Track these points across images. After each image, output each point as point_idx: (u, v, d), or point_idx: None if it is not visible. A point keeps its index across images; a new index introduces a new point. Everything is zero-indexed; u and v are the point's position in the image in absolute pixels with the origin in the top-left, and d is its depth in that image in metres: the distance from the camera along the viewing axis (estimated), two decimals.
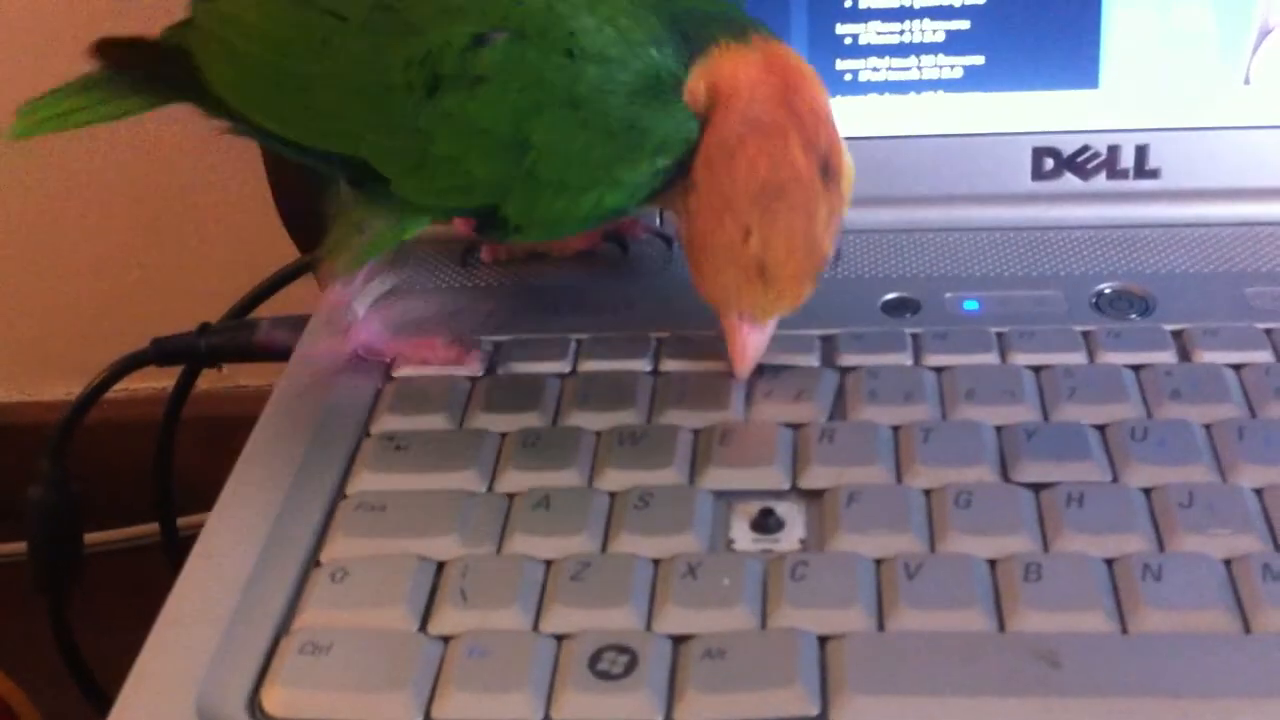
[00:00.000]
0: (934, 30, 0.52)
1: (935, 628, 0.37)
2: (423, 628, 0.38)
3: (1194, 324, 0.47)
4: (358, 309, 0.48)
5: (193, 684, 0.37)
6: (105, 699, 0.62)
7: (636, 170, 0.42)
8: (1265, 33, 0.51)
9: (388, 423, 0.45)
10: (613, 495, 0.41)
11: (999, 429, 0.43)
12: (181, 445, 0.64)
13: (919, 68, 0.52)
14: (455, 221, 0.47)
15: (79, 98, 0.47)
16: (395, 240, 0.45)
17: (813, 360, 0.46)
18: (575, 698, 0.35)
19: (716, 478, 0.42)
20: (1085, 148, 0.52)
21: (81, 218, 0.81)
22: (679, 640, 0.37)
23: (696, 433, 0.43)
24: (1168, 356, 0.45)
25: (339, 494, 0.43)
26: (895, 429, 0.43)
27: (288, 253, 0.62)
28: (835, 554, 0.39)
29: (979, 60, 0.52)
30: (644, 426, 0.44)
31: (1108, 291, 0.49)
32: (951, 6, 0.51)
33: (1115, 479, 0.41)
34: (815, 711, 0.35)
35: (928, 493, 0.41)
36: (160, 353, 0.58)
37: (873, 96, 0.53)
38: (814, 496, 0.41)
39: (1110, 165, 0.52)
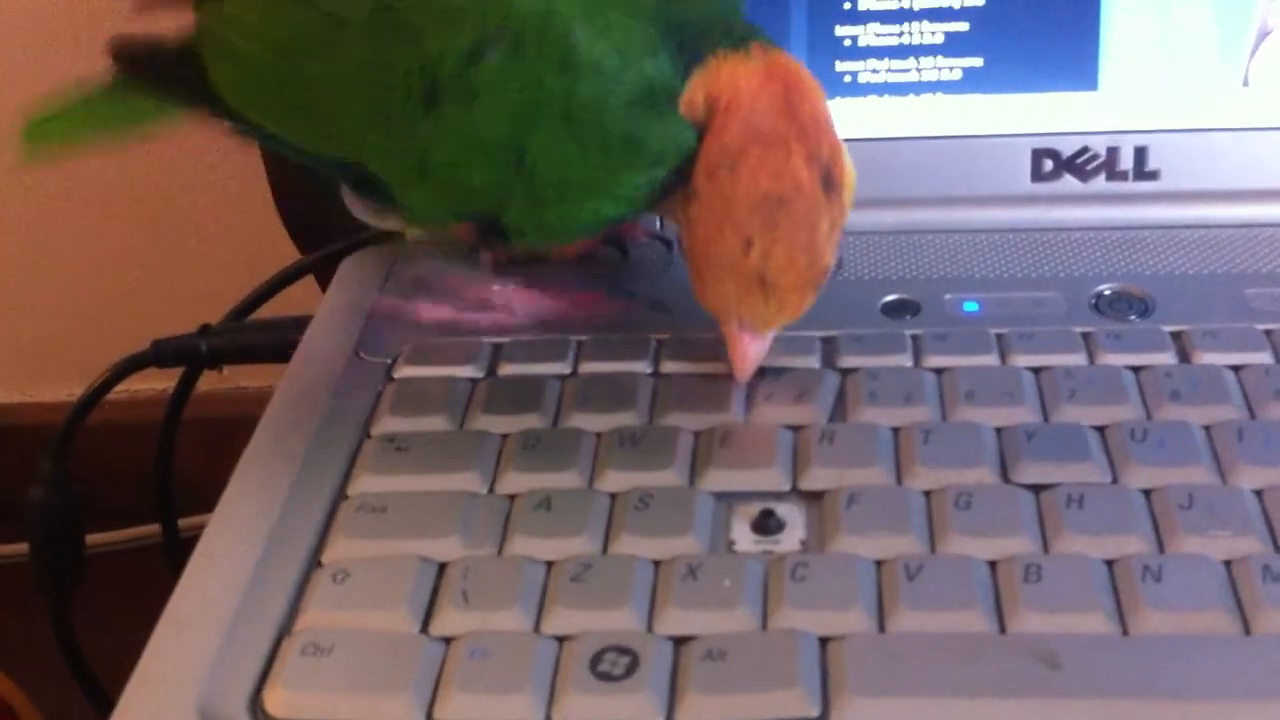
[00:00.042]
0: (933, 32, 0.52)
1: (936, 629, 0.37)
2: (424, 629, 0.38)
3: (1193, 325, 0.47)
4: (503, 291, 0.48)
5: (194, 685, 0.37)
6: (107, 700, 0.62)
7: (633, 182, 0.42)
8: (1264, 34, 0.51)
9: (388, 424, 0.45)
10: (613, 496, 0.41)
11: (999, 430, 0.43)
12: (182, 446, 0.64)
13: (918, 69, 0.52)
14: (455, 226, 0.47)
15: (88, 113, 0.48)
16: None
17: (813, 362, 0.46)
18: (576, 699, 0.35)
19: (717, 479, 0.42)
20: (1084, 149, 0.52)
21: (82, 219, 0.81)
22: (680, 641, 0.37)
23: (697, 434, 0.44)
24: (1167, 358, 0.46)
25: (340, 495, 0.43)
26: (895, 430, 0.43)
27: (288, 254, 0.62)
28: (836, 555, 0.39)
29: (978, 62, 0.52)
30: (644, 428, 0.44)
31: (1107, 293, 0.49)
32: (950, 8, 0.51)
33: (1115, 480, 0.41)
34: (816, 713, 0.35)
35: (928, 494, 0.41)
36: (161, 354, 0.58)
37: (872, 98, 0.53)
38: (814, 498, 0.41)
39: (1109, 167, 0.52)
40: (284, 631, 0.38)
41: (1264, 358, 0.45)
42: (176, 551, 0.66)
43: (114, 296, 0.83)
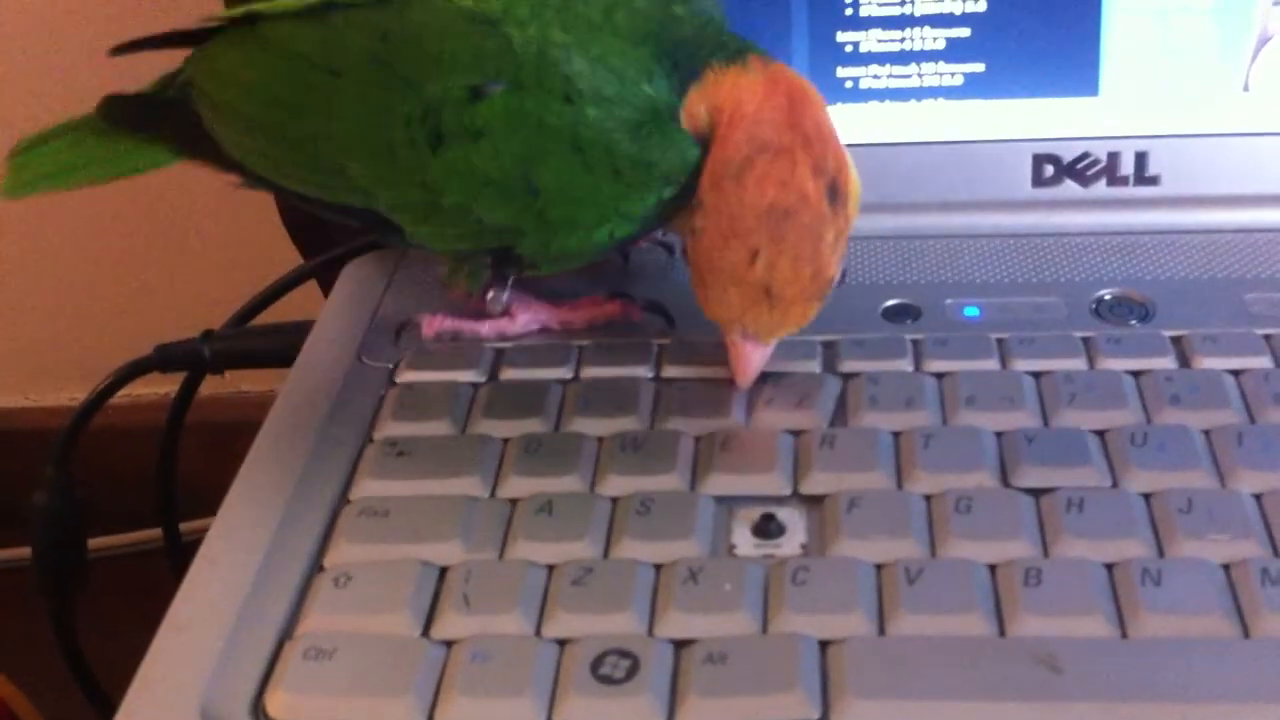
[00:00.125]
0: (934, 38, 0.52)
1: (936, 632, 0.37)
2: (425, 633, 0.38)
3: (1193, 330, 0.47)
4: (503, 299, 0.48)
5: (197, 689, 0.37)
6: (109, 703, 0.63)
7: (645, 203, 0.43)
8: (1264, 40, 0.51)
9: (390, 428, 0.45)
10: (614, 501, 0.42)
11: (999, 435, 0.43)
12: (185, 451, 0.64)
13: (919, 75, 0.52)
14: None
15: (76, 152, 0.48)
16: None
17: (814, 366, 0.46)
18: (577, 702, 0.35)
19: (718, 483, 0.42)
20: (1085, 154, 0.52)
21: (85, 223, 0.81)
22: (681, 645, 0.37)
23: (698, 439, 0.44)
24: (1167, 362, 0.46)
25: (342, 499, 0.43)
26: (896, 435, 0.43)
27: (291, 259, 0.62)
28: (836, 559, 0.39)
29: (979, 68, 0.52)
30: (646, 432, 0.44)
31: (1107, 298, 0.49)
32: (952, 14, 0.52)
33: (1115, 484, 0.41)
34: (816, 716, 0.35)
35: (928, 498, 0.41)
36: (164, 359, 0.58)
37: (873, 104, 0.53)
38: (815, 502, 0.41)
39: (1110, 172, 0.52)
40: (286, 635, 0.38)
41: (1263, 362, 0.45)
42: (178, 555, 0.66)
43: (117, 301, 0.84)
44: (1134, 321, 0.48)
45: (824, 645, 0.37)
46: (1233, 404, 0.44)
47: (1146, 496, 0.41)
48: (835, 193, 0.42)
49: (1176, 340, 0.46)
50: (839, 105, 0.52)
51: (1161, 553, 0.39)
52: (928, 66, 0.52)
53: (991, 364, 0.46)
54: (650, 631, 0.38)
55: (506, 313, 0.48)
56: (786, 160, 0.41)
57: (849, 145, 0.43)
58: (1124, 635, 0.37)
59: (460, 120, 0.42)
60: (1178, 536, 0.39)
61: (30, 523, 0.60)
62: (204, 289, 0.75)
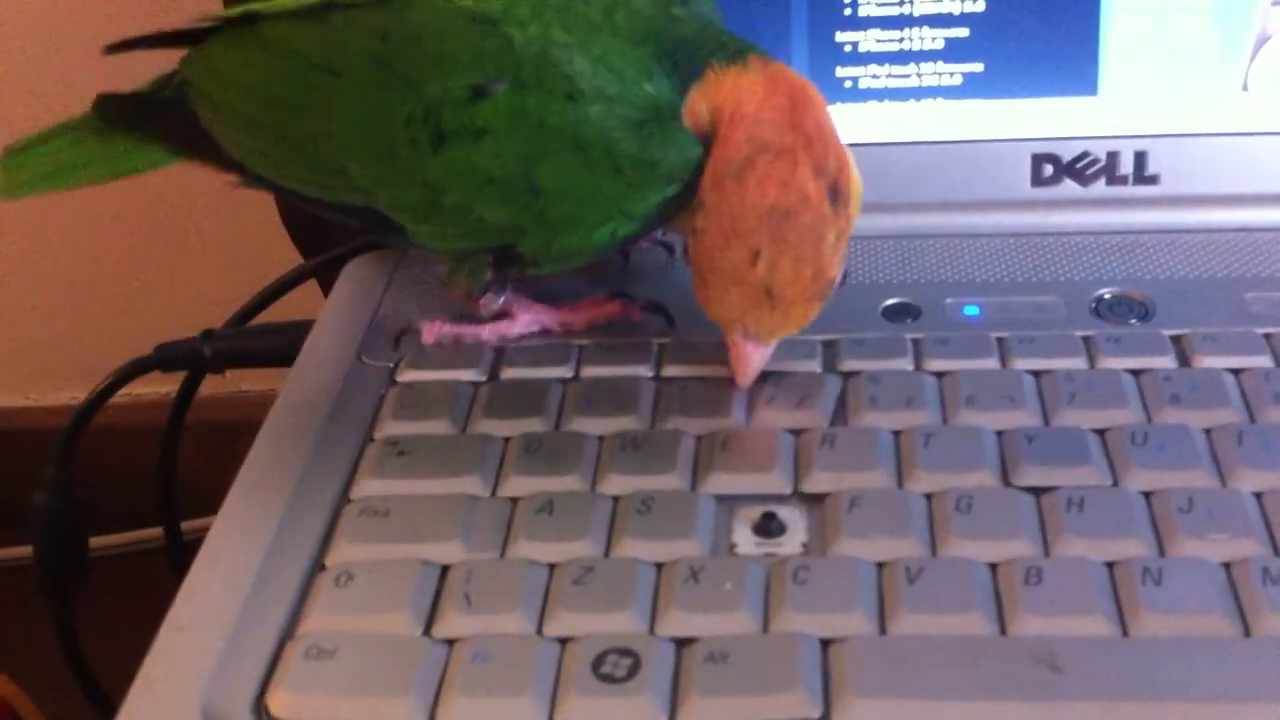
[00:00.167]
0: (933, 38, 0.52)
1: (936, 631, 0.37)
2: (427, 632, 0.38)
3: (1193, 329, 0.47)
4: (503, 300, 0.48)
5: (198, 688, 0.37)
6: (109, 703, 0.63)
7: (647, 201, 0.43)
8: (1263, 40, 0.51)
9: (391, 428, 0.45)
10: (615, 500, 0.42)
11: (999, 434, 0.43)
12: (185, 450, 0.64)
13: (919, 75, 0.52)
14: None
15: (74, 152, 0.48)
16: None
17: (814, 366, 0.46)
18: (579, 701, 0.36)
19: (719, 482, 0.42)
20: (1085, 154, 0.52)
21: (85, 223, 0.81)
22: (682, 644, 0.37)
23: (699, 438, 0.44)
24: (1167, 361, 0.46)
25: (343, 499, 0.43)
26: (896, 434, 0.43)
27: (291, 258, 0.62)
28: (837, 558, 0.39)
29: (978, 67, 0.52)
30: (646, 432, 0.44)
31: (1107, 297, 0.49)
32: (951, 14, 0.52)
33: (1115, 483, 0.41)
34: (817, 715, 0.35)
35: (929, 497, 0.41)
36: (164, 358, 0.58)
37: (872, 103, 0.53)
38: (816, 501, 0.41)
39: (1109, 171, 0.52)
40: (287, 635, 0.39)
41: (1263, 361, 0.45)
42: (179, 555, 0.66)
43: (117, 300, 0.84)
44: (1134, 321, 0.48)
45: (825, 644, 0.37)
46: (1233, 403, 0.44)
47: (1147, 495, 0.41)
48: (836, 193, 0.42)
49: (1176, 339, 0.47)
50: (838, 105, 0.52)
51: (1162, 552, 0.39)
52: (927, 66, 0.52)
53: (992, 363, 0.46)
54: (651, 631, 0.38)
55: (507, 314, 0.48)
56: (787, 161, 0.41)
57: (848, 145, 0.43)
58: (1125, 634, 0.37)
59: (462, 119, 0.42)
60: (1178, 536, 0.39)
61: (31, 522, 0.60)
62: (204, 288, 0.75)
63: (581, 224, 0.43)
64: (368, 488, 0.43)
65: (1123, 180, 0.52)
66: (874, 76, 0.53)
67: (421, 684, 0.36)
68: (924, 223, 0.53)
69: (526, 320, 0.49)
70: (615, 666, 0.36)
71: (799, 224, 0.41)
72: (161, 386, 0.67)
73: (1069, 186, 0.52)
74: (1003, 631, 0.37)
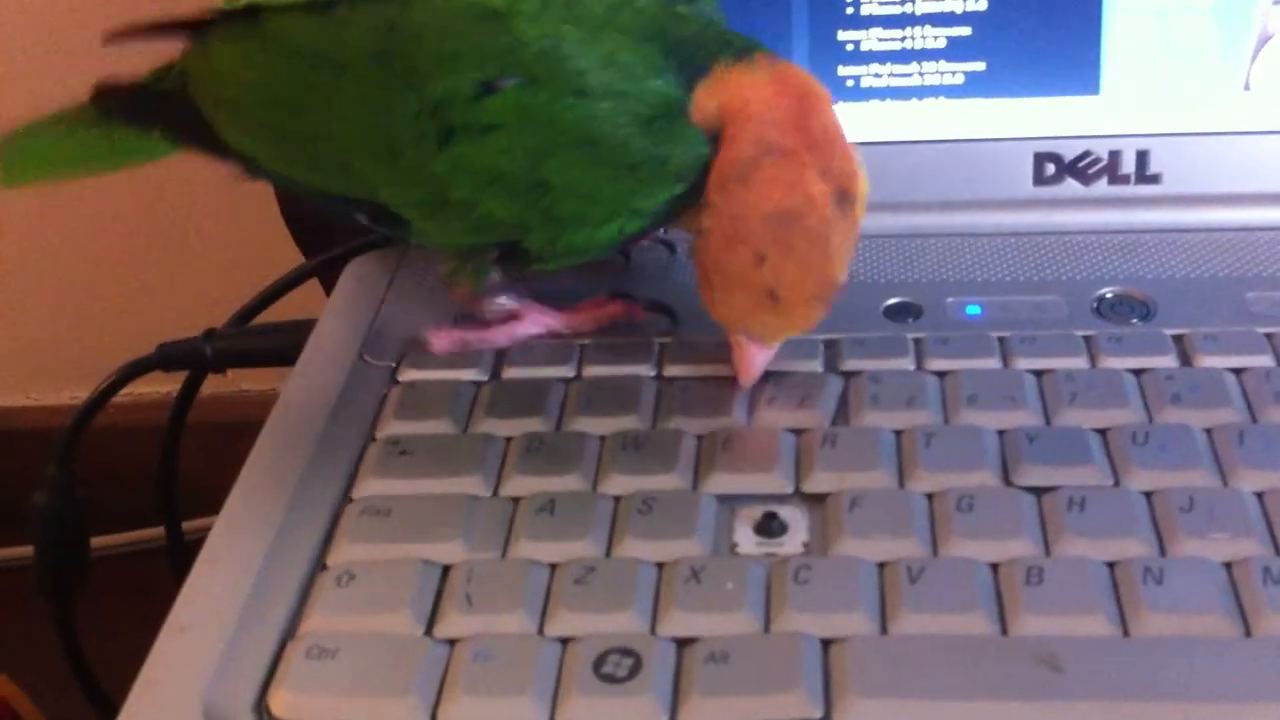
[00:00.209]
0: (935, 36, 0.52)
1: (938, 631, 0.37)
2: (428, 632, 0.38)
3: (1194, 329, 0.47)
4: (507, 302, 0.48)
5: (199, 688, 0.37)
6: (110, 704, 0.63)
7: (655, 199, 0.43)
8: (1265, 39, 0.51)
9: (392, 427, 0.45)
10: (617, 500, 0.42)
11: (1001, 433, 0.43)
12: (186, 450, 0.64)
13: (921, 74, 0.52)
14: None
15: (72, 142, 0.48)
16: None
17: (815, 365, 0.46)
18: (580, 701, 0.36)
19: (720, 482, 0.42)
20: (1086, 153, 0.52)
21: (87, 222, 0.81)
22: (683, 644, 0.37)
23: (700, 438, 0.44)
24: (1168, 361, 0.46)
25: (344, 499, 0.43)
26: (898, 433, 0.43)
27: (293, 258, 0.62)
28: (838, 558, 0.39)
29: (980, 66, 0.52)
30: (647, 431, 0.44)
31: (1109, 296, 0.49)
32: (953, 13, 0.52)
33: (1116, 483, 0.41)
34: (818, 715, 0.35)
35: (930, 497, 0.41)
36: (165, 358, 0.58)
37: (874, 103, 0.53)
38: (817, 501, 0.41)
39: (1111, 170, 0.52)
40: (289, 634, 0.39)
41: (1265, 361, 0.45)
42: (180, 555, 0.66)
43: (118, 300, 0.84)
44: (1135, 320, 0.48)
45: (826, 644, 0.37)
46: (1234, 403, 0.44)
47: (1148, 495, 0.41)
48: (844, 196, 0.41)
49: (1178, 339, 0.47)
50: (840, 104, 0.51)
51: (1163, 551, 0.39)
52: (929, 65, 0.52)
53: (993, 363, 0.46)
54: (652, 630, 0.38)
55: (513, 316, 0.48)
56: (793, 163, 0.41)
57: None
58: (1125, 634, 0.37)
59: (469, 115, 0.42)
60: (1179, 535, 0.39)
61: (32, 522, 0.60)
62: (205, 288, 0.75)
63: (589, 221, 0.43)
64: (369, 487, 0.43)
65: (1124, 179, 0.52)
66: (875, 75, 0.52)
67: (423, 684, 0.36)
68: (925, 222, 0.53)
69: (533, 319, 0.48)
70: (616, 666, 0.36)
71: (804, 227, 0.41)
72: (163, 386, 0.67)
73: (1071, 186, 0.52)
74: (1004, 631, 0.37)
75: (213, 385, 0.64)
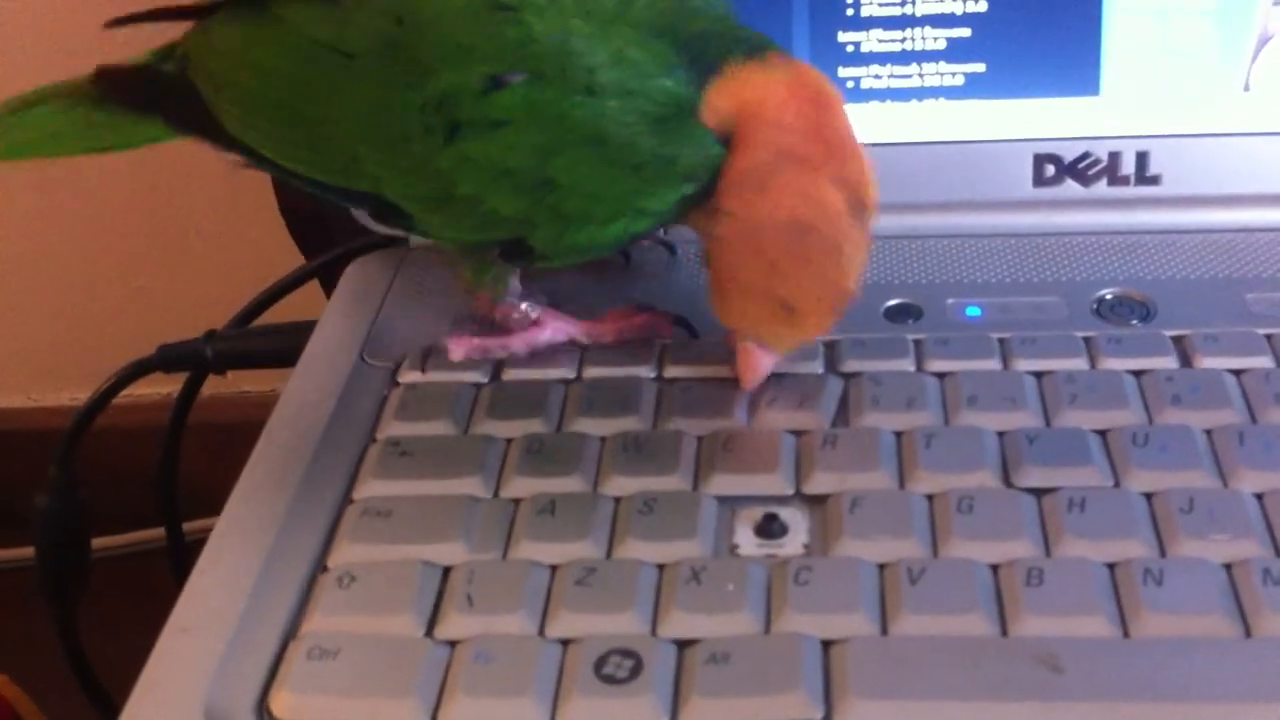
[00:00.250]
0: (935, 38, 0.52)
1: (938, 632, 0.37)
2: (429, 633, 0.38)
3: (1194, 330, 0.47)
4: (529, 310, 0.47)
5: (200, 689, 0.37)
6: (111, 705, 0.63)
7: (663, 199, 0.42)
8: (1265, 40, 0.51)
9: (393, 429, 0.45)
10: (617, 501, 0.42)
11: (1001, 435, 0.43)
12: (187, 451, 0.64)
13: (921, 75, 0.52)
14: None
15: (69, 118, 0.47)
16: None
17: (816, 367, 0.46)
18: (581, 702, 0.36)
19: (720, 484, 0.42)
20: (1086, 154, 0.52)
21: (88, 223, 0.81)
22: (684, 645, 0.37)
23: (700, 439, 0.44)
24: (1168, 362, 0.46)
25: (345, 500, 0.43)
26: (898, 435, 0.43)
27: (293, 259, 0.63)
28: (839, 559, 0.39)
29: (980, 68, 0.52)
30: (648, 433, 0.44)
31: (1109, 297, 0.49)
32: (953, 14, 0.52)
33: (1116, 484, 0.41)
34: (819, 716, 0.35)
35: (930, 498, 0.41)
36: (166, 359, 0.58)
37: (874, 104, 0.53)
38: (817, 502, 0.41)
39: (1111, 171, 0.52)
40: (290, 635, 0.39)
41: (1264, 362, 0.45)
42: (181, 556, 0.66)
43: (119, 301, 0.84)
44: (1135, 321, 0.48)
45: (826, 645, 0.37)
46: (1234, 404, 0.44)
47: (1148, 496, 0.41)
48: (858, 205, 0.41)
49: (1178, 340, 0.47)
50: None
51: (1163, 552, 0.39)
52: (929, 66, 0.52)
53: (993, 364, 0.46)
54: (653, 631, 0.38)
55: (535, 323, 0.47)
56: (809, 172, 0.41)
57: None
58: (1126, 635, 0.37)
59: (478, 109, 0.41)
60: (1179, 536, 0.39)
61: (33, 523, 0.60)
62: (206, 289, 0.75)
63: (594, 219, 0.42)
64: (370, 488, 0.43)
65: (1124, 180, 0.52)
66: (876, 77, 0.53)
67: (424, 685, 0.36)
68: (925, 223, 0.53)
69: (555, 327, 0.48)
70: (617, 667, 0.36)
71: (819, 238, 0.41)
72: (163, 387, 0.67)
73: (1071, 187, 0.52)
74: (1004, 632, 0.37)
75: (213, 386, 0.64)
